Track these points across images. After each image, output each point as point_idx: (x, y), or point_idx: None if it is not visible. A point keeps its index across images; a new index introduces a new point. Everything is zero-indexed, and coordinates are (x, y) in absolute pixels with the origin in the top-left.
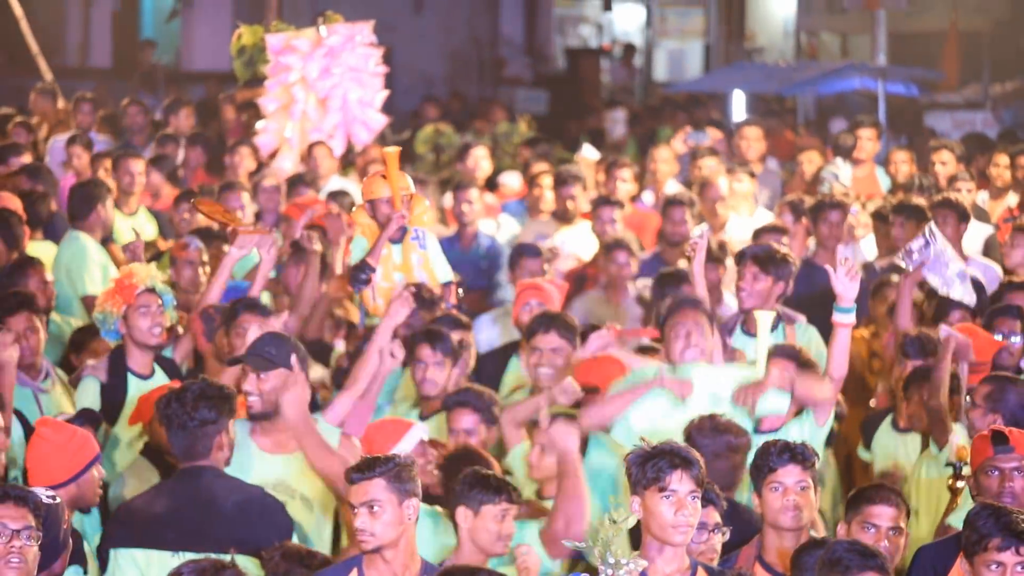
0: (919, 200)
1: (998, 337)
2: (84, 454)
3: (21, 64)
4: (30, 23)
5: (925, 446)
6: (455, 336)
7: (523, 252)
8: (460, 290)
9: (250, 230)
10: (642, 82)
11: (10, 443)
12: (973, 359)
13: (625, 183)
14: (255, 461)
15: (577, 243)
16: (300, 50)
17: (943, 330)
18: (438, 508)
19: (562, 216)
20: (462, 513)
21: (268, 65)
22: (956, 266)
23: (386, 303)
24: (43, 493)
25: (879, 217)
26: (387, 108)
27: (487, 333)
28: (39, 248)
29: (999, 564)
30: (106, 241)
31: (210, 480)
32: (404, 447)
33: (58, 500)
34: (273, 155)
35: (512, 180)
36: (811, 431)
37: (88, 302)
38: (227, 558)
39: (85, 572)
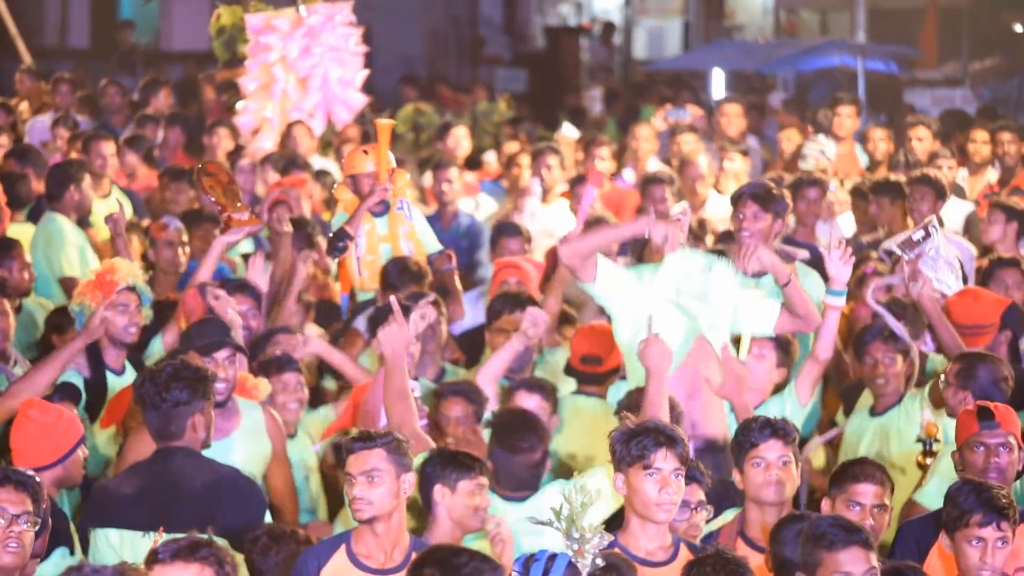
0: (898, 177)
1: None
2: (71, 435)
3: None
4: (8, 4)
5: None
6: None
7: (503, 231)
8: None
9: (243, 221)
10: (622, 61)
11: None
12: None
13: (603, 161)
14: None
15: (554, 221)
16: (280, 30)
17: (912, 290)
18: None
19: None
20: (439, 491)
21: (248, 45)
22: (950, 264)
23: (372, 276)
24: (24, 473)
25: (858, 194)
26: (367, 87)
27: (469, 311)
28: (19, 230)
29: (980, 539)
30: (84, 223)
31: (181, 461)
32: None
33: (38, 480)
34: (254, 135)
35: (496, 159)
36: (792, 409)
37: (66, 283)
38: (204, 537)
39: (72, 553)
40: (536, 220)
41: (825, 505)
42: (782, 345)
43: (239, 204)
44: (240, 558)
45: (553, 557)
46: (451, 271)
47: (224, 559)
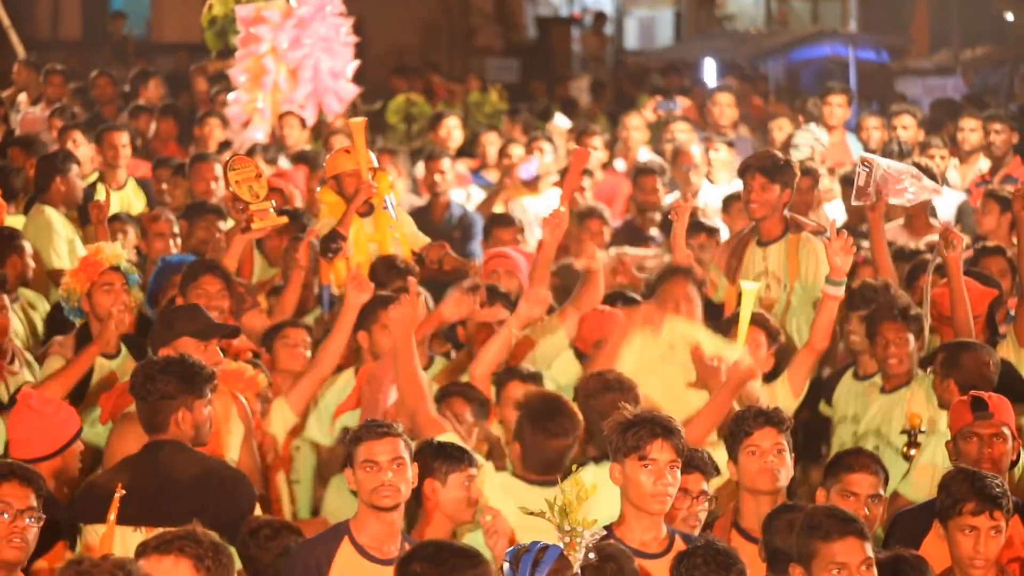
0: None
1: None
2: (69, 427)
3: None
4: None
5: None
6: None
7: (496, 222)
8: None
9: (265, 216)
10: (613, 51)
11: None
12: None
13: (595, 151)
14: None
15: (546, 211)
16: (270, 21)
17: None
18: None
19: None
20: (429, 485)
21: (239, 36)
22: (906, 172)
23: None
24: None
25: (848, 183)
26: (358, 78)
27: None
28: (12, 223)
29: (973, 528)
30: (85, 216)
31: (169, 455)
32: None
33: (42, 476)
34: (245, 126)
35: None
36: (784, 400)
37: (55, 276)
38: (180, 529)
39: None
40: (527, 212)
41: (820, 494)
42: (770, 330)
43: (263, 200)
44: (232, 550)
45: (544, 549)
46: (449, 255)
47: (202, 550)
